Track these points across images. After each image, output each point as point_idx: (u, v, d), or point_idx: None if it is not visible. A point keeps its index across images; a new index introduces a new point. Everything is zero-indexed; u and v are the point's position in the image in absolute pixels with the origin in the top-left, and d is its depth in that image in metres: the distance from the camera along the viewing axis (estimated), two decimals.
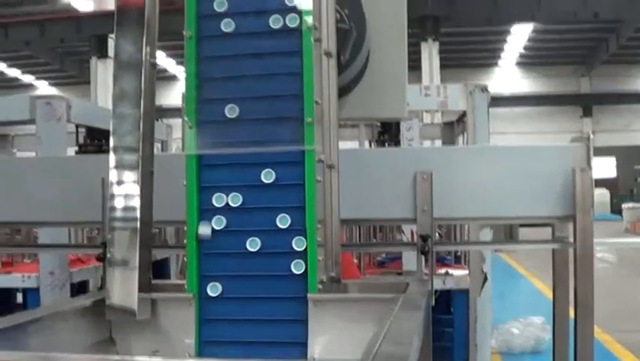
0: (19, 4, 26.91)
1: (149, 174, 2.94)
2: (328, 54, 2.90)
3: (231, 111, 2.92)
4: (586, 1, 22.57)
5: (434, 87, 6.50)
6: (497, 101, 20.04)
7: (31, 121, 6.05)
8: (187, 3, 2.94)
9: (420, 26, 22.52)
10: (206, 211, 2.93)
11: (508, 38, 33.12)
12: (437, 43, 23.16)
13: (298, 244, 2.84)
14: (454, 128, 8.41)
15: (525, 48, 35.00)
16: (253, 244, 2.89)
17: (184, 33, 2.90)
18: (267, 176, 2.89)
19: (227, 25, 2.94)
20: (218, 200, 2.92)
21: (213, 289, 2.91)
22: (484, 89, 6.31)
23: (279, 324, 2.87)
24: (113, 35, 2.93)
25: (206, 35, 2.96)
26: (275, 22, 2.90)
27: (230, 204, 2.91)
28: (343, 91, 3.25)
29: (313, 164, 2.81)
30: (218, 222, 2.92)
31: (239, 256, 2.90)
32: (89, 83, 24.43)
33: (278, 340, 2.87)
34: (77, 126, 7.39)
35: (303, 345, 2.83)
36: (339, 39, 3.03)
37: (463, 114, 6.85)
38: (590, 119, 39.60)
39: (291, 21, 2.89)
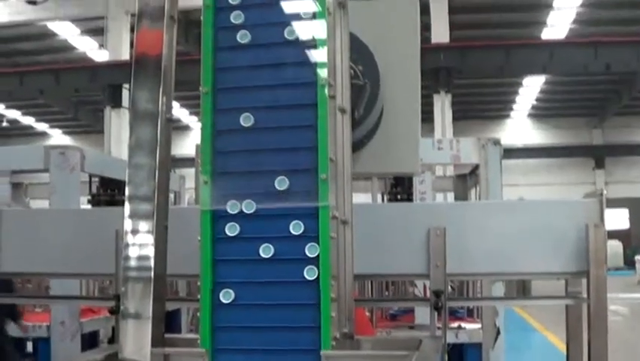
0: (35, 53, 27.24)
1: (164, 227, 2.95)
2: (342, 110, 2.91)
3: (246, 120, 2.91)
4: (597, 53, 22.65)
5: (447, 141, 6.53)
6: (509, 152, 20.04)
7: (45, 170, 6.10)
8: (203, 57, 2.96)
9: (432, 78, 22.58)
10: (220, 218, 2.90)
11: (520, 90, 33.28)
12: (449, 96, 23.20)
13: (311, 251, 2.80)
14: (466, 180, 8.41)
15: (537, 100, 35.13)
16: (266, 251, 2.85)
17: (200, 89, 2.92)
18: (281, 183, 2.88)
19: (243, 37, 2.95)
20: (232, 207, 2.89)
21: (226, 296, 2.86)
22: (497, 142, 6.33)
23: (291, 331, 2.83)
24: (127, 85, 2.96)
25: (221, 47, 2.97)
26: (290, 33, 2.91)
27: (244, 210, 2.89)
28: (357, 146, 3.26)
29: (328, 221, 2.80)
30: (232, 229, 2.89)
31: (252, 263, 2.86)
32: (102, 132, 24.52)
33: (291, 347, 2.82)
34: (91, 176, 7.44)
35: (317, 352, 2.78)
36: (354, 95, 3.05)
37: (476, 167, 6.86)
38: (602, 170, 39.52)
39: None
